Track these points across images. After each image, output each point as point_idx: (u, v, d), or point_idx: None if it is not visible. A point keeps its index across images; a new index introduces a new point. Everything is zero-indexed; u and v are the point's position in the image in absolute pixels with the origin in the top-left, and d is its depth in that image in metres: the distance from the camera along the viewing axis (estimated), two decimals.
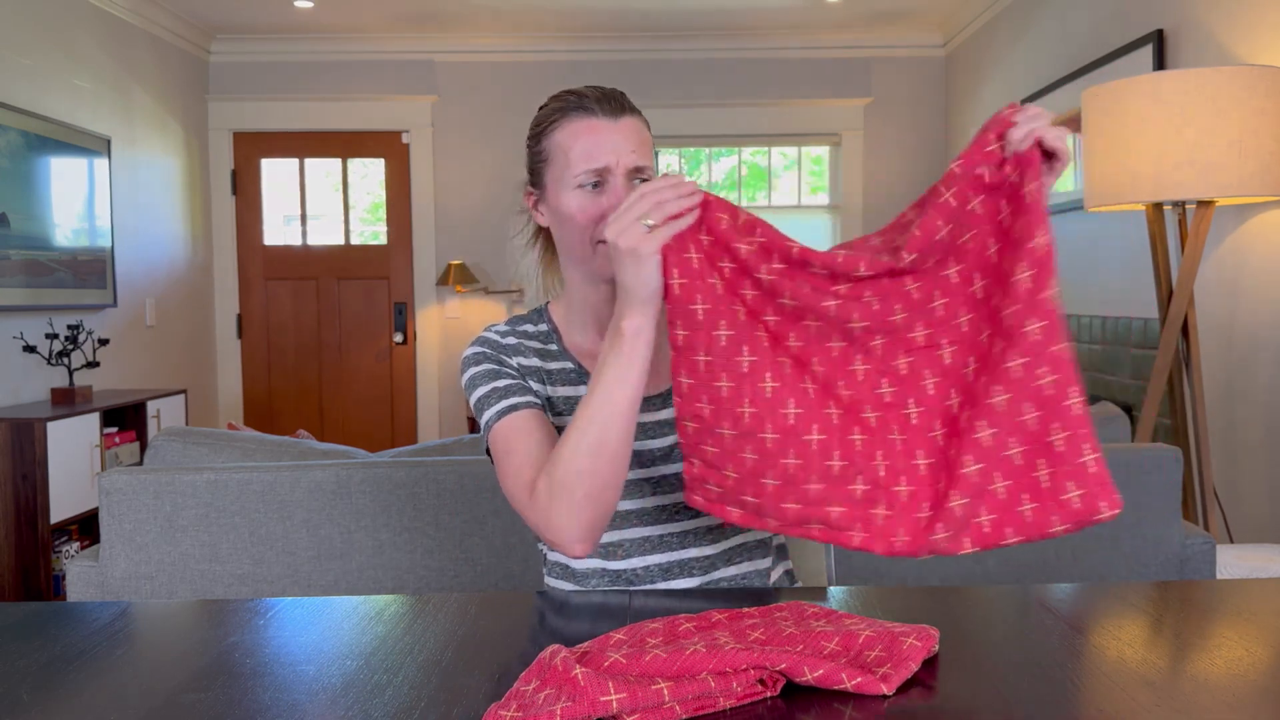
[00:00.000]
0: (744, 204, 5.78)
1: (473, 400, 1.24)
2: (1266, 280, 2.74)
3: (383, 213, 5.72)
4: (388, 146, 5.67)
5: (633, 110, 1.23)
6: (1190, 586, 1.12)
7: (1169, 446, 1.94)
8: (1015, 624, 1.00)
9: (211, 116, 5.56)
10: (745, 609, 0.99)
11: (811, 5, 4.99)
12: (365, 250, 5.71)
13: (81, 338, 4.24)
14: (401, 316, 5.72)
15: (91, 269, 4.28)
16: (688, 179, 1.04)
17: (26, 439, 3.46)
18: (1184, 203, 2.66)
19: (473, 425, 5.62)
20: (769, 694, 0.83)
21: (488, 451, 1.24)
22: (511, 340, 1.29)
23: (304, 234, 5.70)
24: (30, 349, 3.81)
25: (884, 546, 1.01)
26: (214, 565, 1.84)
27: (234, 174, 5.64)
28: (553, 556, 1.32)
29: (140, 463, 3.98)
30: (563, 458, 1.08)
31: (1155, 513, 1.93)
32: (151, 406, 4.22)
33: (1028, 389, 0.98)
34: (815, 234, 5.74)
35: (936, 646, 0.91)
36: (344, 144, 5.67)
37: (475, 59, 5.61)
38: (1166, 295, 2.68)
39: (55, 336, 3.93)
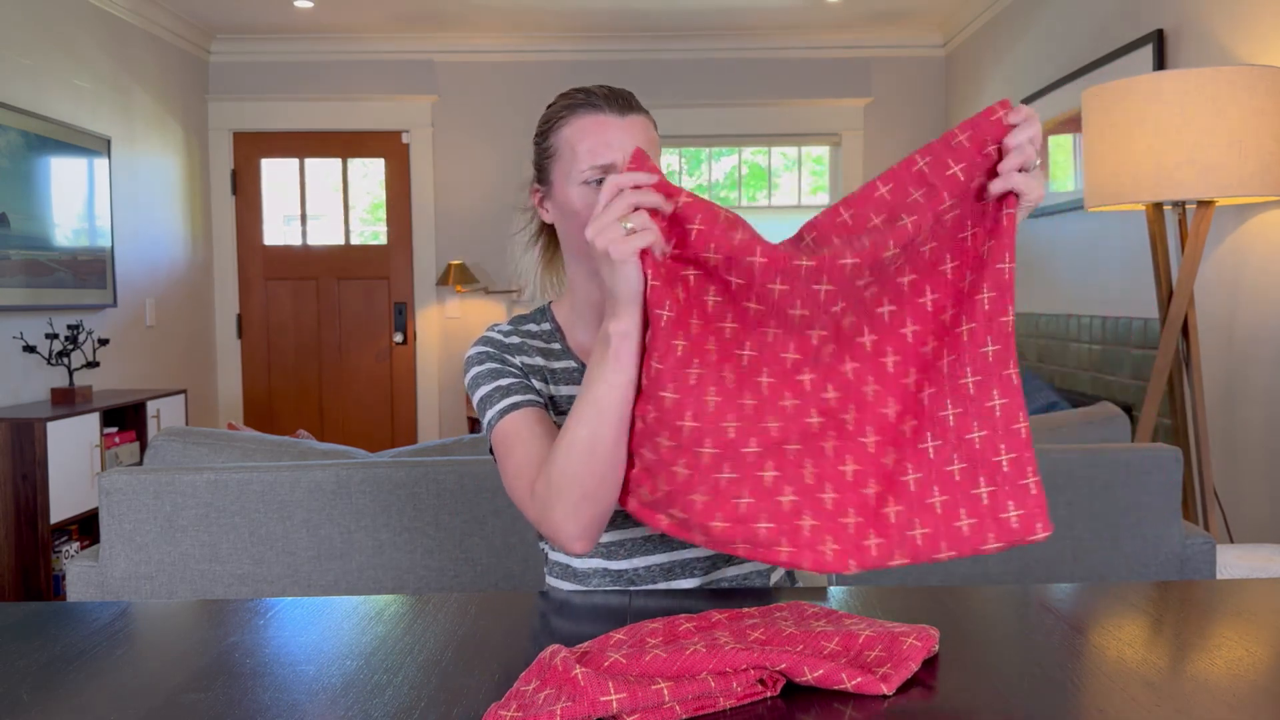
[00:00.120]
0: (744, 204, 5.78)
1: (475, 399, 1.24)
2: (1266, 280, 2.74)
3: (383, 213, 5.72)
4: (388, 146, 5.67)
5: (640, 109, 1.23)
6: (1190, 586, 1.12)
7: (1169, 446, 1.94)
8: (1015, 624, 1.00)
9: (211, 116, 5.56)
10: (745, 609, 0.99)
11: (811, 5, 4.99)
12: (365, 250, 5.71)
13: (81, 338, 4.24)
14: (401, 316, 5.72)
15: (91, 269, 4.28)
16: (650, 167, 1.02)
17: (26, 439, 3.46)
18: (1184, 203, 2.66)
19: (473, 425, 5.62)
20: (769, 694, 0.83)
21: (491, 450, 1.24)
22: (515, 339, 1.29)
23: (304, 234, 5.70)
24: (30, 349, 3.81)
25: (813, 560, 1.00)
26: (214, 565, 1.84)
27: (234, 174, 5.64)
28: (554, 556, 1.32)
29: (140, 463, 3.98)
30: (557, 460, 1.09)
31: (1155, 513, 1.93)
32: (151, 406, 4.22)
33: (980, 408, 1.00)
34: None
35: (936, 646, 0.91)
36: (344, 144, 5.67)
37: (475, 59, 5.61)
38: (1166, 295, 2.68)
39: (55, 336, 3.93)
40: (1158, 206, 2.66)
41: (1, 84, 3.76)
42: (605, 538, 1.26)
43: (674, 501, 1.03)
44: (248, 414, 5.72)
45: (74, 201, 4.16)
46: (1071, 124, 3.92)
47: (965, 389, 0.99)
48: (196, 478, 1.84)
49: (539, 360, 1.28)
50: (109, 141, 4.42)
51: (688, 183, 5.77)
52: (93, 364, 4.12)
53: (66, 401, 3.84)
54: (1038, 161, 0.97)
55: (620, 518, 1.25)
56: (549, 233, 1.37)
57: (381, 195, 5.71)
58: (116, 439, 4.00)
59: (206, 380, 5.55)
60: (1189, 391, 2.71)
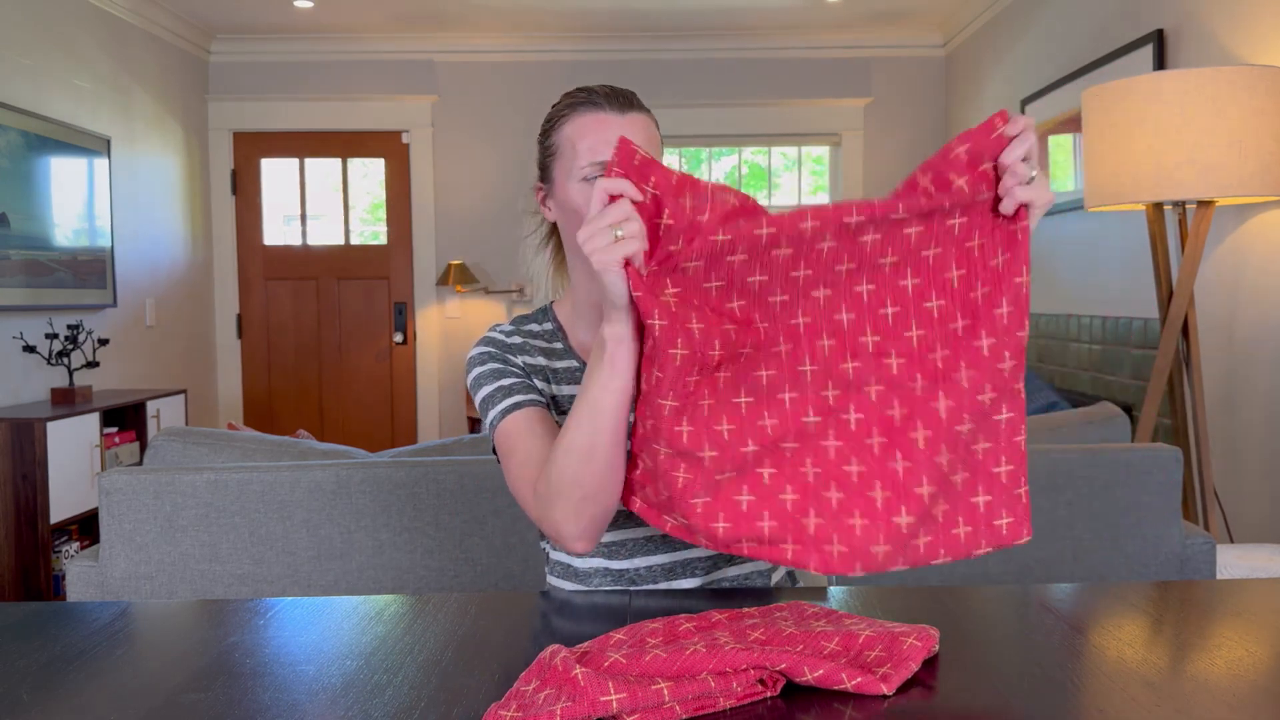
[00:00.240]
0: None
1: (478, 400, 1.24)
2: (1266, 280, 2.74)
3: (383, 213, 5.72)
4: (388, 146, 5.67)
5: (641, 107, 1.23)
6: (1190, 586, 1.12)
7: (1169, 446, 1.94)
8: (1015, 624, 1.00)
9: (211, 116, 5.56)
10: (745, 609, 0.99)
11: (811, 5, 4.99)
12: (365, 250, 5.71)
13: (81, 338, 4.24)
14: (401, 316, 5.72)
15: (91, 269, 4.28)
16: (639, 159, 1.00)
17: (26, 439, 3.46)
18: (1184, 203, 2.66)
19: (473, 425, 5.62)
20: (769, 694, 0.83)
21: (494, 450, 1.24)
22: (517, 339, 1.29)
23: (304, 234, 5.70)
24: (30, 349, 3.81)
25: (819, 560, 1.00)
26: (214, 565, 1.84)
27: (234, 174, 5.64)
28: (556, 556, 1.32)
29: (140, 463, 3.98)
30: (557, 462, 1.09)
31: (1155, 513, 1.93)
32: (151, 406, 4.22)
33: (990, 422, 1.01)
34: None
35: (936, 646, 0.91)
36: (344, 144, 5.67)
37: (475, 59, 5.61)
38: (1166, 295, 2.68)
39: (55, 336, 3.93)
40: (1158, 206, 2.66)
41: (1, 84, 3.76)
42: (607, 537, 1.26)
43: (675, 507, 1.03)
44: (248, 414, 5.72)
45: (74, 201, 4.16)
46: (1071, 124, 3.92)
47: (982, 405, 1.00)
48: (196, 478, 1.84)
49: (541, 360, 1.28)
50: (109, 141, 4.42)
51: None
52: (93, 364, 4.12)
53: (66, 401, 3.84)
54: (1034, 172, 0.97)
55: (622, 518, 1.26)
56: (559, 235, 1.37)
57: (381, 195, 5.71)
58: (116, 439, 4.00)
59: (206, 380, 5.55)
60: (1189, 391, 2.71)
